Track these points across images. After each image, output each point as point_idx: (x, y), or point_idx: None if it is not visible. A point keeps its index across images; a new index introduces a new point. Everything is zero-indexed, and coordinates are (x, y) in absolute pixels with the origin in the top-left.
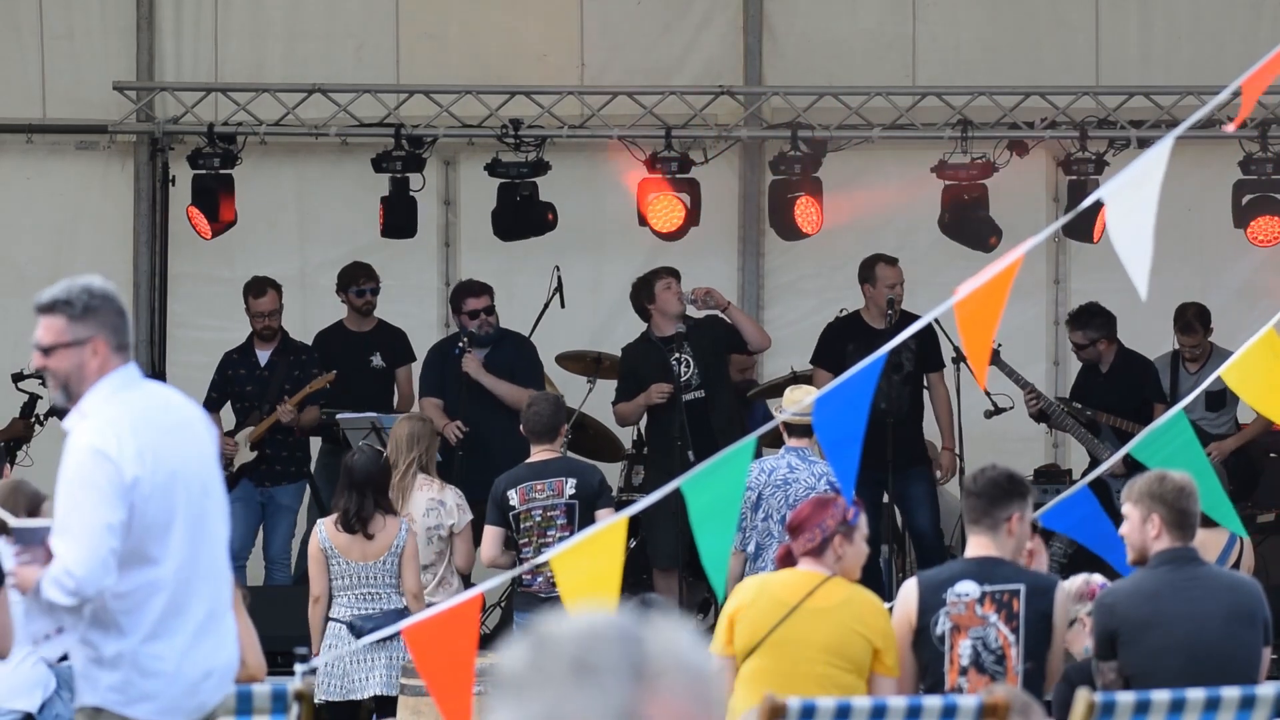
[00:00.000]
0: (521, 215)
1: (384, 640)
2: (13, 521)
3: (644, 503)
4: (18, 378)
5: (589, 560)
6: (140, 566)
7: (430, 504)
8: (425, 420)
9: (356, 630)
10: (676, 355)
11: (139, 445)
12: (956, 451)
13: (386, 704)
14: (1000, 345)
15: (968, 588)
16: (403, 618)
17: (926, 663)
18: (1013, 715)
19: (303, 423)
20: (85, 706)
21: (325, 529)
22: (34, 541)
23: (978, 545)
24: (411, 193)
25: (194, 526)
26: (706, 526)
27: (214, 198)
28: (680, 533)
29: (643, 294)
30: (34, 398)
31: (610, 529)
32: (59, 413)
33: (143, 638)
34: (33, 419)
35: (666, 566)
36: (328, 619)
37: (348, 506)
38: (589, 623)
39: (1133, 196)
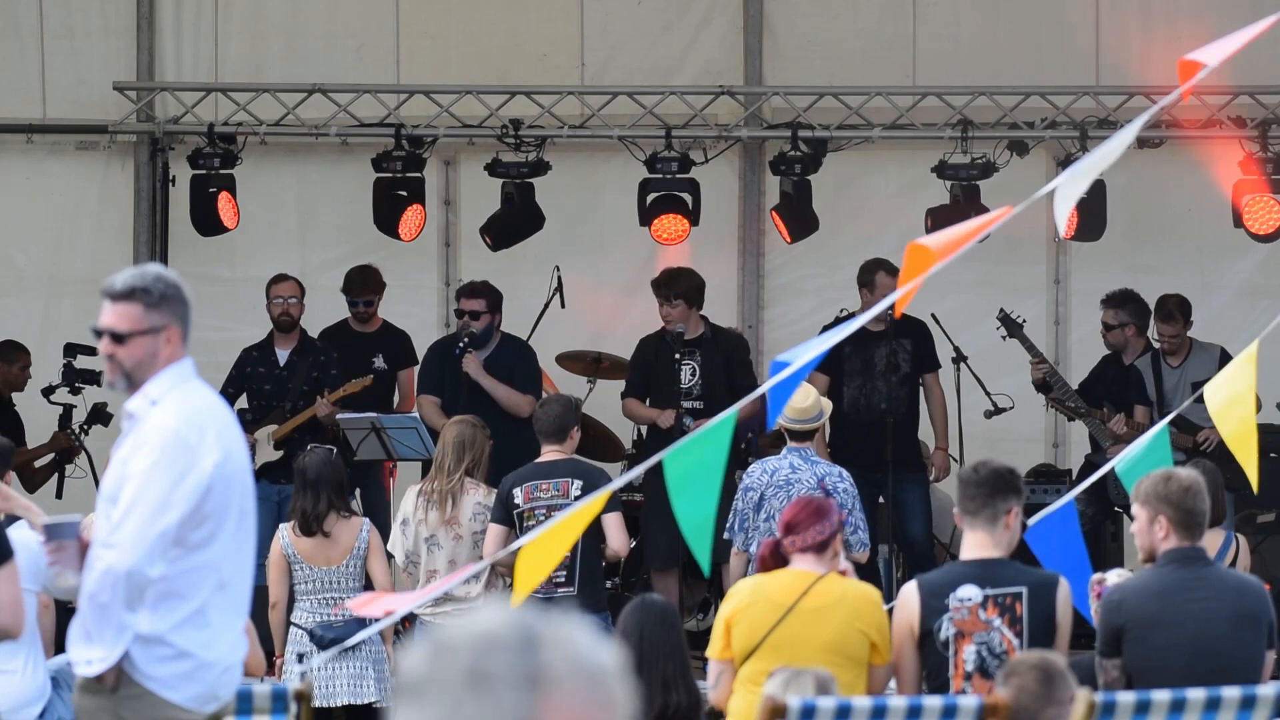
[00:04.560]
0: (512, 220)
1: (350, 649)
2: (44, 518)
3: (600, 491)
4: (48, 391)
5: (542, 553)
6: (196, 550)
7: (477, 508)
8: (476, 425)
9: (318, 639)
10: (686, 360)
11: (218, 435)
12: (951, 452)
13: (356, 712)
14: (1024, 321)
15: (970, 592)
16: (364, 625)
17: (931, 668)
18: (1038, 685)
19: (333, 417)
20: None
21: (286, 534)
22: (65, 536)
23: (977, 543)
24: (401, 191)
25: (242, 520)
26: (683, 494)
27: (219, 197)
28: (677, 533)
29: (653, 290)
30: (69, 408)
31: (569, 522)
32: (102, 419)
33: (185, 622)
34: (76, 431)
35: (664, 567)
36: (290, 624)
37: (304, 507)
38: (486, 628)
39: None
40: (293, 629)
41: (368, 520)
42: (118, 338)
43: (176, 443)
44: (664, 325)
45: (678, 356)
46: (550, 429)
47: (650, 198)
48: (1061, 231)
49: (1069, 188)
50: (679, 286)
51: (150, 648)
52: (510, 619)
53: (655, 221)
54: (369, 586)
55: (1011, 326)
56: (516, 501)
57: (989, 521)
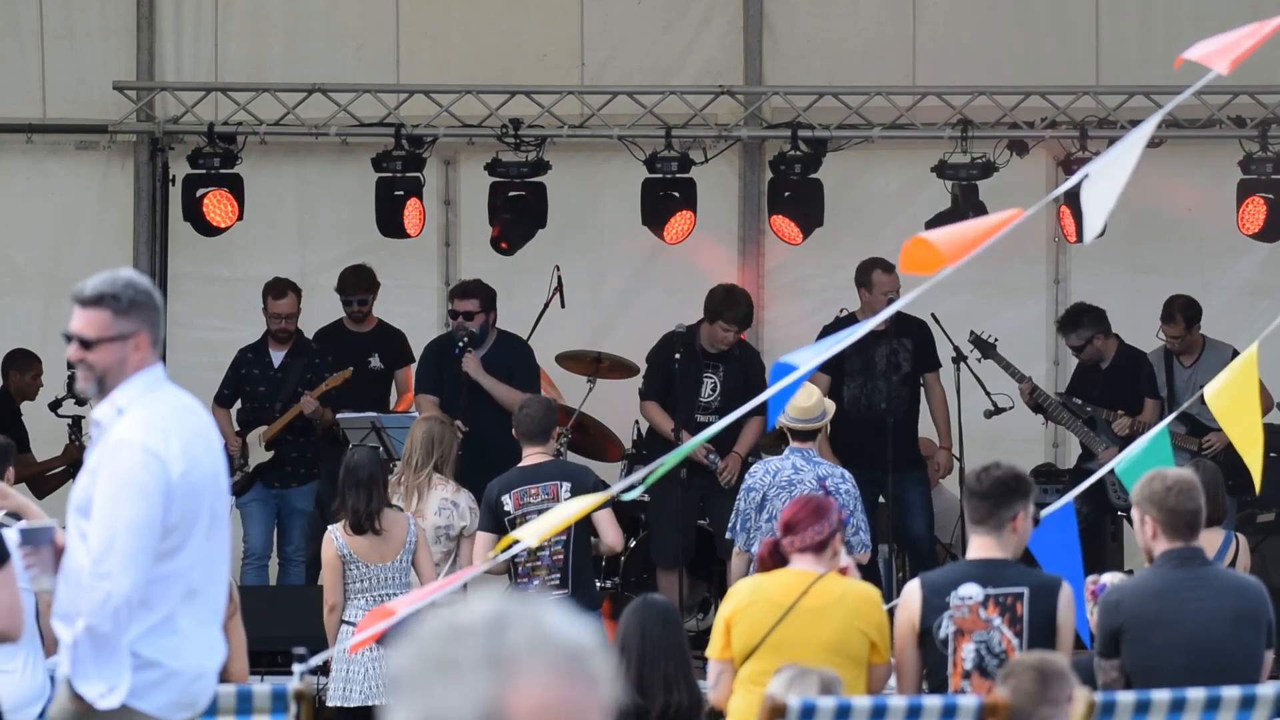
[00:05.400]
0: (522, 221)
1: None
2: (21, 523)
3: (602, 494)
4: (55, 405)
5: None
6: (163, 560)
7: (443, 503)
8: (445, 422)
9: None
10: (709, 374)
11: (183, 445)
12: (953, 450)
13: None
14: (996, 340)
15: (971, 590)
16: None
17: (930, 666)
18: (1033, 684)
19: (324, 419)
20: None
21: (340, 535)
22: (41, 542)
23: (981, 546)
24: (398, 192)
25: (210, 529)
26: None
27: (205, 199)
28: (683, 534)
29: (711, 309)
30: (77, 420)
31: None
32: None
33: (151, 631)
34: (85, 443)
35: (669, 567)
36: (342, 622)
37: (357, 506)
38: (456, 618)
39: (1112, 167)
40: (345, 627)
41: (411, 515)
42: (85, 344)
43: (146, 456)
44: (718, 344)
45: (679, 357)
46: (534, 430)
47: (661, 195)
48: (1088, 238)
49: (1097, 197)
50: (741, 311)
51: None
52: (481, 607)
53: (670, 220)
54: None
55: (985, 348)
56: (507, 509)
57: (994, 529)
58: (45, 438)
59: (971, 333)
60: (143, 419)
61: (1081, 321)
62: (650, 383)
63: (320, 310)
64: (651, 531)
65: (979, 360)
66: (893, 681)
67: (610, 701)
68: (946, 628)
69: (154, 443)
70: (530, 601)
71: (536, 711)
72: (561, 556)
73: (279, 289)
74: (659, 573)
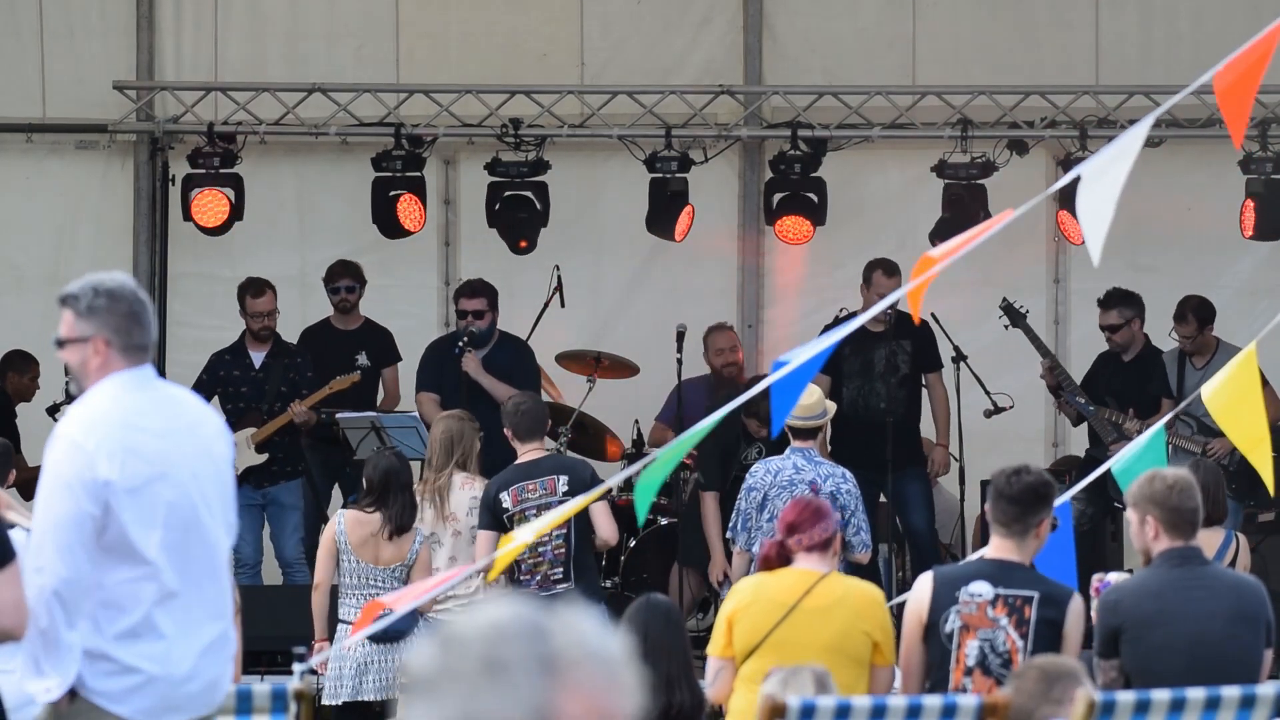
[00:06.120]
0: (533, 218)
1: (396, 643)
2: (25, 524)
3: (597, 489)
4: (53, 410)
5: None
6: (125, 563)
7: (473, 503)
8: (464, 419)
9: (373, 634)
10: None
11: (122, 445)
12: (951, 449)
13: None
14: (1027, 311)
15: (981, 588)
16: (416, 619)
17: (933, 660)
18: (1036, 684)
19: (311, 421)
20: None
21: (345, 522)
22: None
23: (1000, 548)
24: (395, 193)
25: (185, 531)
26: (651, 468)
27: (196, 198)
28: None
29: (751, 406)
30: None
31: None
32: None
33: (128, 635)
34: None
35: (691, 564)
36: (337, 620)
37: (400, 508)
38: (495, 619)
39: (1106, 173)
40: (341, 626)
41: (421, 533)
42: (58, 343)
43: (70, 450)
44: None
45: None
46: (528, 428)
47: (668, 195)
48: (1095, 261)
49: (1093, 209)
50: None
51: (95, 663)
52: (517, 610)
53: (678, 219)
54: None
55: (1015, 316)
56: (505, 505)
57: (1018, 534)
58: (43, 441)
59: (1004, 299)
60: (80, 415)
61: (1126, 300)
62: (709, 476)
63: (320, 311)
64: (685, 533)
65: (1007, 328)
66: (897, 681)
67: (637, 711)
68: (953, 622)
69: (81, 438)
70: (562, 608)
71: (584, 716)
72: (563, 550)
73: (257, 288)
74: (678, 567)
